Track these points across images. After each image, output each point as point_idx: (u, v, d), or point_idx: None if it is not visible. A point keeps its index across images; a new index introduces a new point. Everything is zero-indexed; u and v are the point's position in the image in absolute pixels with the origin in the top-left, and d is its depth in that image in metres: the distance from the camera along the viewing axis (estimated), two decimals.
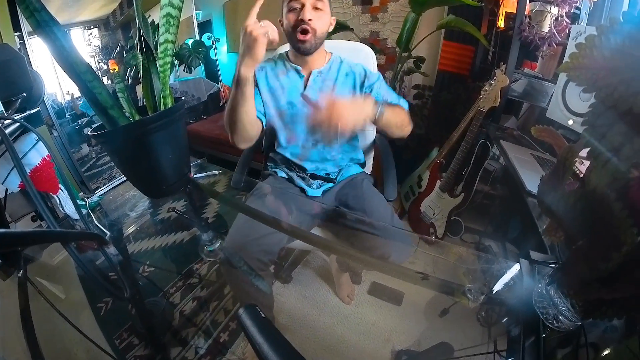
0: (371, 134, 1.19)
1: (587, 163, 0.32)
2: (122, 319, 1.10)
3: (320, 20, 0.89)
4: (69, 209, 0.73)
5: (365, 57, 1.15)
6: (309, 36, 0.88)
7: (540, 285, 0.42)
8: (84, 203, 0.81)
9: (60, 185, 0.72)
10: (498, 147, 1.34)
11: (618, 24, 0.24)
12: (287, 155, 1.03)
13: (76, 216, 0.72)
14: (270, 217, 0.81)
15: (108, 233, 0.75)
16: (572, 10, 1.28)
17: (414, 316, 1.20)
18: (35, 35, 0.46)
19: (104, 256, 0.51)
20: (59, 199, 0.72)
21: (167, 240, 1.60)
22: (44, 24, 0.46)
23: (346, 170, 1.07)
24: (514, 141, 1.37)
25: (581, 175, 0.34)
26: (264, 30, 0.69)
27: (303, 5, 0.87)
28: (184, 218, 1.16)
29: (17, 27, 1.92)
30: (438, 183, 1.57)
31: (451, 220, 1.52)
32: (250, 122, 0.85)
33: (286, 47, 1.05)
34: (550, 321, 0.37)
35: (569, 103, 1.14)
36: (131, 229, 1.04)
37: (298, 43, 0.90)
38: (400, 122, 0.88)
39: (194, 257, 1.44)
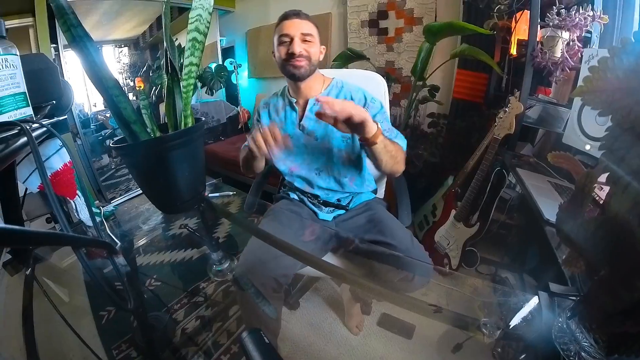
0: None
1: (606, 189, 0.31)
2: (122, 330, 1.09)
3: (311, 50, 0.92)
4: (84, 215, 0.75)
5: (376, 86, 1.16)
6: (303, 63, 0.91)
7: (560, 319, 0.39)
8: (98, 211, 0.83)
9: (77, 192, 0.75)
10: (514, 175, 1.31)
11: (630, 45, 0.24)
12: (296, 184, 1.05)
13: (90, 223, 0.74)
14: (283, 242, 0.80)
15: (119, 243, 0.76)
16: (583, 34, 1.29)
17: (425, 351, 1.13)
18: (70, 49, 0.49)
19: (112, 265, 0.52)
20: (75, 205, 0.75)
21: (177, 256, 1.60)
22: (79, 39, 0.49)
23: (358, 197, 1.06)
24: (531, 168, 1.34)
25: (601, 202, 0.33)
26: (263, 151, 0.75)
27: (292, 39, 0.90)
28: (195, 236, 1.17)
29: (54, 39, 2.10)
30: (453, 212, 1.54)
31: (466, 250, 1.47)
32: (263, 165, 0.99)
33: None
34: (572, 358, 0.34)
35: (585, 127, 1.13)
36: (142, 242, 1.06)
37: (292, 69, 0.92)
38: (395, 152, 0.84)
39: (201, 275, 1.43)
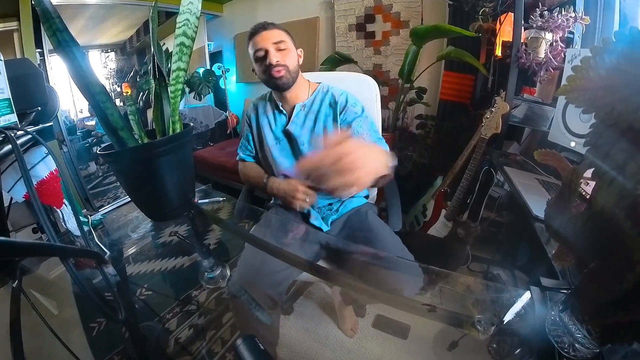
0: None
1: (592, 184, 0.32)
2: (114, 342, 1.06)
3: (288, 57, 0.94)
4: (71, 224, 0.73)
5: (368, 88, 1.18)
6: (283, 71, 0.92)
7: (553, 312, 0.40)
8: (86, 220, 0.81)
9: (64, 200, 0.73)
10: (502, 173, 1.34)
11: (611, 44, 0.25)
12: None
13: (77, 232, 0.72)
14: (278, 249, 0.79)
15: (108, 252, 0.74)
16: (565, 35, 1.33)
17: (422, 350, 1.13)
18: (55, 54, 0.48)
19: (101, 275, 0.51)
20: (62, 214, 0.72)
21: (167, 264, 1.57)
22: (65, 44, 0.48)
23: (349, 201, 1.06)
24: (518, 166, 1.37)
25: (587, 197, 0.33)
26: (303, 204, 0.89)
27: (267, 51, 0.92)
28: (186, 243, 1.15)
29: (39, 44, 2.05)
30: (443, 212, 1.56)
31: None
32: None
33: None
34: (566, 350, 0.35)
35: (569, 125, 1.15)
36: (131, 250, 1.03)
37: (275, 80, 0.94)
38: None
39: (193, 283, 1.41)
